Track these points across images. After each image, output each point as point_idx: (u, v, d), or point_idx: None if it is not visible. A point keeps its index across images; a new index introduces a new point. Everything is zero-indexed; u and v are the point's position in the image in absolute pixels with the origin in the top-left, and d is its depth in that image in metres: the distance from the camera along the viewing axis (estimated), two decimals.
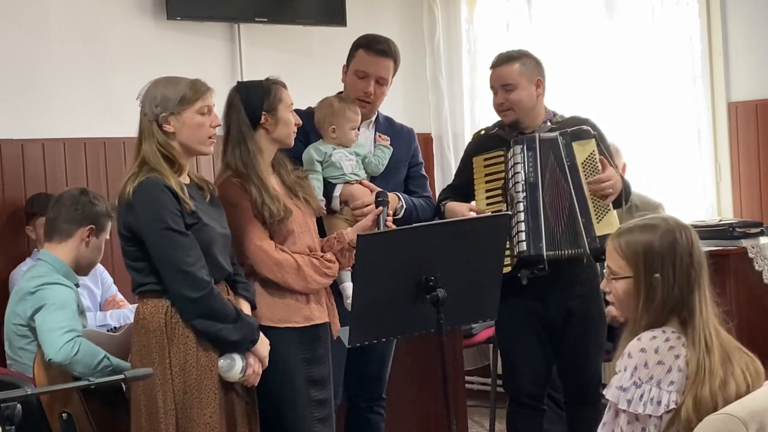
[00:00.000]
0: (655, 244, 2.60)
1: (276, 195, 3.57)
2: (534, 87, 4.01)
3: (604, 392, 2.59)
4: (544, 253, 3.84)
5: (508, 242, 3.85)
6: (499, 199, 3.99)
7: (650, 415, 2.48)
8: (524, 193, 3.89)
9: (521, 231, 3.86)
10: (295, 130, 3.67)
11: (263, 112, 3.59)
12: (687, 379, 2.50)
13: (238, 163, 3.56)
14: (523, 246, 3.84)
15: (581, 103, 5.38)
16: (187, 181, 3.40)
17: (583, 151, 3.93)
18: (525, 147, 3.93)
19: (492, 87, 4.06)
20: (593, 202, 3.88)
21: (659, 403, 2.48)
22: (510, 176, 3.95)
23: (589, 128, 3.98)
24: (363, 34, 4.20)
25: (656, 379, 2.49)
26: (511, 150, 3.95)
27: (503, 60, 4.05)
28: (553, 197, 3.91)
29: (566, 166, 3.91)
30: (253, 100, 3.61)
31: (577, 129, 3.98)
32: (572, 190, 3.89)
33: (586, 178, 3.90)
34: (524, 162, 3.91)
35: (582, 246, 3.84)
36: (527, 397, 4.06)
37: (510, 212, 3.88)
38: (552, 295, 3.95)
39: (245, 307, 3.45)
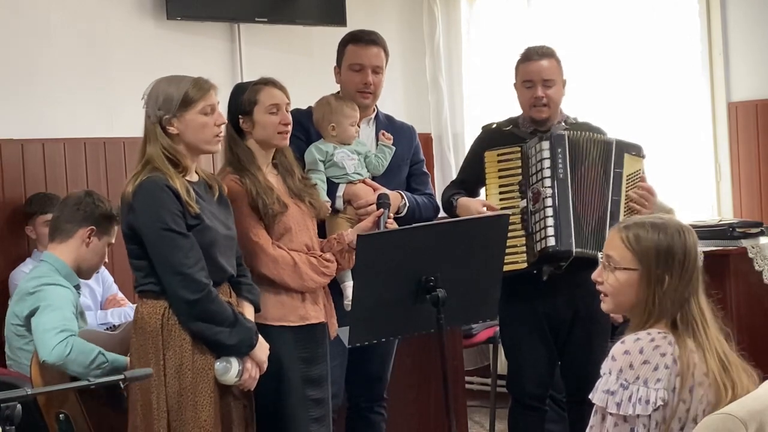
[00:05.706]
0: (664, 244, 2.60)
1: (269, 187, 3.57)
2: (561, 86, 4.01)
3: (590, 396, 2.59)
4: (573, 249, 3.80)
5: (525, 238, 3.86)
6: (513, 195, 3.95)
7: (639, 415, 2.48)
8: (553, 189, 3.85)
9: (549, 226, 3.82)
10: (283, 131, 3.61)
11: (239, 116, 3.61)
12: (678, 376, 2.50)
13: (234, 159, 3.60)
14: (552, 241, 3.80)
15: (581, 104, 5.36)
16: (196, 178, 3.38)
17: (631, 165, 3.93)
18: (553, 143, 3.88)
19: (528, 81, 3.98)
20: (625, 214, 3.83)
21: (647, 401, 2.48)
22: (534, 171, 3.90)
23: (641, 147, 3.98)
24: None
25: (643, 378, 2.50)
26: (538, 145, 3.90)
27: (544, 54, 3.99)
28: (587, 196, 3.88)
29: (612, 172, 3.88)
30: (232, 103, 3.64)
31: (633, 143, 3.98)
32: (611, 196, 3.87)
33: (627, 190, 3.89)
34: (553, 158, 3.86)
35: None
36: (530, 399, 4.06)
37: (532, 208, 3.86)
38: (561, 296, 3.93)
39: (248, 310, 3.42)
